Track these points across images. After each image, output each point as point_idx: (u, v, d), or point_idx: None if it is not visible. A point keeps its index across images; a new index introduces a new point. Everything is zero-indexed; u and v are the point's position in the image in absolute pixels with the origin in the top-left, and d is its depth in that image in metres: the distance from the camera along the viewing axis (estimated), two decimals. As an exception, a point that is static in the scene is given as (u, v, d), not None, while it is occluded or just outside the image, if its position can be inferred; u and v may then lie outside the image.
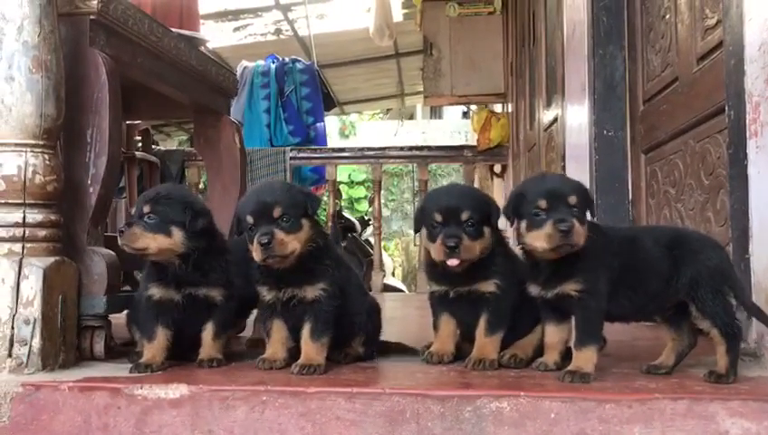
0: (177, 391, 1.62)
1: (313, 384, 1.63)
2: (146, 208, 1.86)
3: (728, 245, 2.14)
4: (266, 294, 1.90)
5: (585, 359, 1.72)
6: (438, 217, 1.85)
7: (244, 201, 1.90)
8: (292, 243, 1.79)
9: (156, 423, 1.61)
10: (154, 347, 1.89)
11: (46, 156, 1.89)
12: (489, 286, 1.90)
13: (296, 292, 1.85)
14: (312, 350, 1.82)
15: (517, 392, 1.55)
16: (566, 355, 1.83)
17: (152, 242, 1.85)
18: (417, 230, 1.96)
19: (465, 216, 1.84)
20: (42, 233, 1.87)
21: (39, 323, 1.78)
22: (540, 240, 1.72)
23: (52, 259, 1.84)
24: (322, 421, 1.56)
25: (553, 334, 1.86)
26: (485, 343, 1.88)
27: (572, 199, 1.73)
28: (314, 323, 1.84)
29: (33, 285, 1.79)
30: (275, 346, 1.91)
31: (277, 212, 1.79)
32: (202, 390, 1.61)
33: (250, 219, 1.81)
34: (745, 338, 1.96)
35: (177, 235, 1.87)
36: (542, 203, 1.73)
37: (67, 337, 1.88)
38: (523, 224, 1.77)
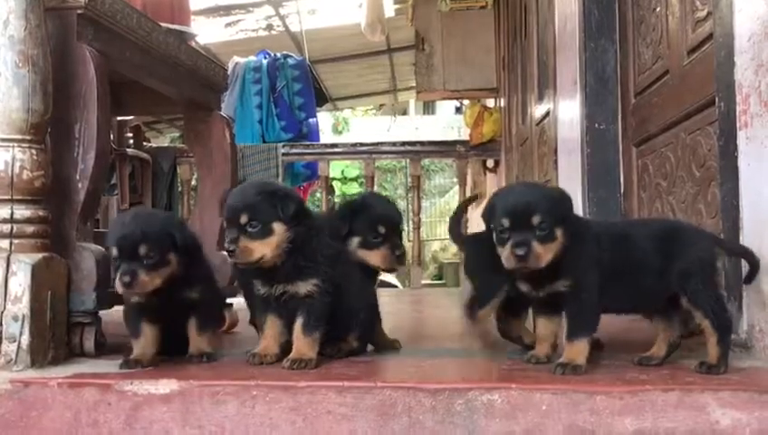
0: (167, 386, 1.61)
1: (304, 378, 1.63)
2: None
3: (719, 236, 2.14)
4: (260, 287, 1.89)
5: (577, 351, 1.72)
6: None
7: (225, 201, 1.88)
8: (259, 249, 1.77)
9: (146, 419, 1.60)
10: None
11: (34, 151, 1.87)
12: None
13: (288, 287, 1.85)
14: (303, 345, 1.82)
15: (508, 385, 1.55)
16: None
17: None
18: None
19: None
20: (30, 229, 1.86)
21: (28, 320, 1.77)
22: (503, 258, 1.72)
23: (40, 255, 1.83)
24: (313, 416, 1.56)
25: (545, 327, 1.87)
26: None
27: (536, 220, 1.68)
28: (307, 317, 1.83)
29: (21, 282, 1.78)
30: (268, 341, 1.89)
31: (243, 219, 1.78)
32: (192, 385, 1.61)
33: (224, 223, 1.83)
34: (736, 329, 1.96)
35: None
36: (506, 222, 1.71)
37: (56, 334, 1.86)
38: (494, 236, 1.76)
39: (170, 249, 1.82)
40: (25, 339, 1.76)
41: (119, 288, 1.78)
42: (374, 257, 2.05)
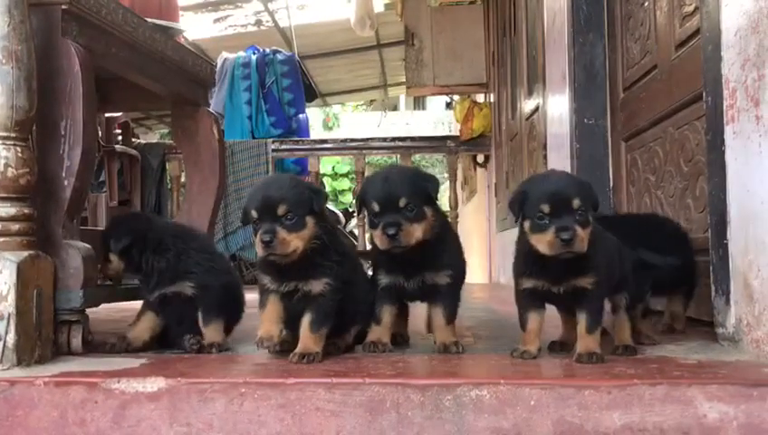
0: (154, 384, 1.60)
1: (292, 375, 1.62)
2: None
3: (707, 231, 2.15)
4: (268, 283, 1.89)
5: (596, 341, 1.80)
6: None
7: (251, 193, 1.88)
8: (295, 241, 1.78)
9: (134, 417, 1.59)
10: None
11: (18, 148, 1.85)
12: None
13: (300, 285, 1.85)
14: (310, 340, 1.83)
15: (497, 380, 1.55)
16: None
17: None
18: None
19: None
20: (15, 227, 1.84)
21: (13, 319, 1.75)
22: (542, 244, 1.73)
23: (26, 253, 1.81)
24: (302, 412, 1.55)
25: (536, 322, 1.88)
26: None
27: (576, 203, 1.72)
28: (315, 315, 1.84)
29: (6, 280, 1.76)
30: (268, 324, 1.87)
31: (282, 210, 1.78)
32: (180, 383, 1.60)
33: (254, 214, 1.80)
34: (723, 323, 1.97)
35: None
36: (546, 208, 1.72)
37: (43, 332, 1.85)
38: (527, 224, 1.78)
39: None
40: (11, 338, 1.75)
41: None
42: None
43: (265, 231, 1.76)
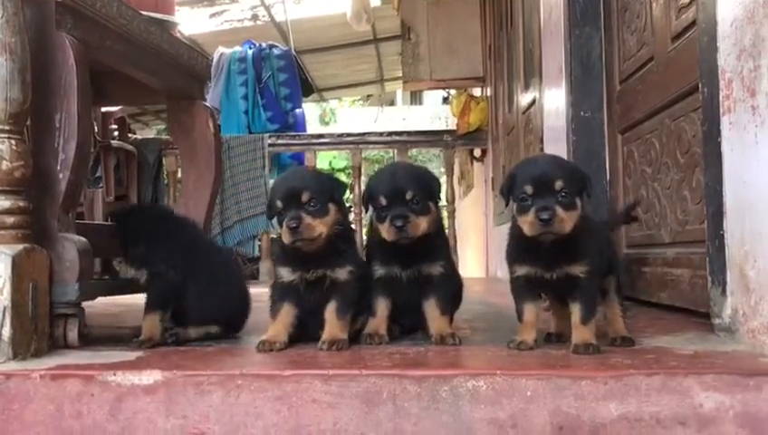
0: (150, 377, 1.60)
1: (289, 367, 1.62)
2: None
3: (703, 222, 2.15)
4: (286, 275, 1.95)
5: (591, 331, 1.80)
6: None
7: (274, 187, 1.98)
8: (319, 226, 1.86)
9: (130, 410, 1.58)
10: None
11: (13, 141, 1.85)
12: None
13: (327, 272, 1.93)
14: (335, 327, 1.90)
15: (493, 371, 1.55)
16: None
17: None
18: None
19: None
20: (10, 220, 1.84)
21: (9, 312, 1.75)
22: (525, 226, 1.75)
23: (21, 246, 1.81)
24: (299, 404, 1.55)
25: (533, 313, 1.89)
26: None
27: (558, 184, 1.73)
28: (341, 301, 1.92)
29: (1, 273, 1.75)
30: (278, 328, 1.94)
31: (305, 197, 1.86)
32: (176, 375, 1.59)
33: (279, 204, 1.89)
34: (720, 314, 1.97)
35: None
36: (528, 188, 1.74)
37: (39, 325, 1.85)
38: (515, 207, 1.80)
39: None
40: (7, 331, 1.74)
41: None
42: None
43: (291, 217, 1.85)
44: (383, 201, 1.91)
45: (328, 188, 1.92)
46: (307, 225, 1.84)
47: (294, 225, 1.83)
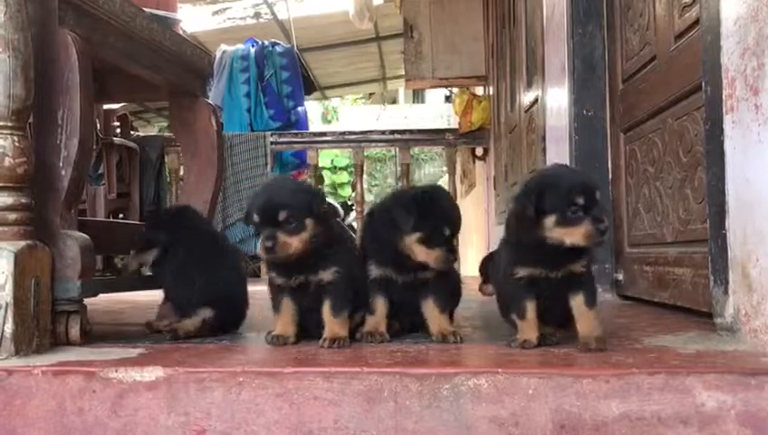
0: (152, 373, 1.60)
1: (291, 365, 1.62)
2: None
3: (705, 221, 2.15)
4: (275, 278, 1.99)
5: (598, 317, 1.85)
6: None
7: (254, 196, 1.97)
8: (295, 243, 1.87)
9: (131, 406, 1.59)
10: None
11: (15, 138, 1.85)
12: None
13: (309, 277, 1.94)
14: (334, 325, 1.92)
15: (495, 369, 1.55)
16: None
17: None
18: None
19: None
20: (12, 216, 1.84)
21: (11, 308, 1.75)
22: (575, 237, 1.76)
23: (23, 243, 1.81)
24: (300, 401, 1.55)
25: (534, 311, 1.88)
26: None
27: (598, 194, 1.79)
28: (333, 300, 1.94)
29: (3, 270, 1.75)
30: (285, 322, 1.98)
31: (282, 216, 1.87)
32: (178, 372, 1.60)
33: (256, 218, 1.90)
34: (722, 313, 1.97)
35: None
36: (580, 200, 1.75)
37: (41, 322, 1.85)
38: (552, 218, 1.77)
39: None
40: (9, 327, 1.74)
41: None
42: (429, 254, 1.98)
43: (267, 237, 1.86)
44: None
45: (306, 203, 1.90)
46: (282, 243, 1.86)
47: (270, 245, 1.85)
